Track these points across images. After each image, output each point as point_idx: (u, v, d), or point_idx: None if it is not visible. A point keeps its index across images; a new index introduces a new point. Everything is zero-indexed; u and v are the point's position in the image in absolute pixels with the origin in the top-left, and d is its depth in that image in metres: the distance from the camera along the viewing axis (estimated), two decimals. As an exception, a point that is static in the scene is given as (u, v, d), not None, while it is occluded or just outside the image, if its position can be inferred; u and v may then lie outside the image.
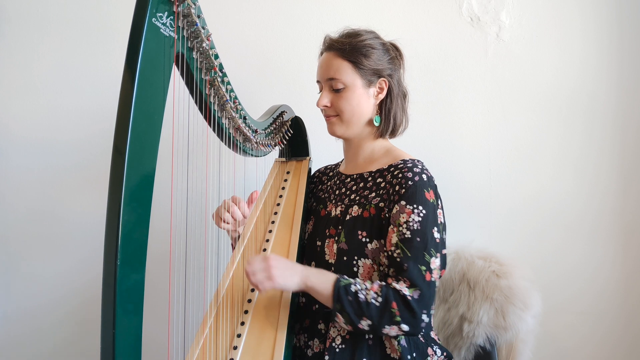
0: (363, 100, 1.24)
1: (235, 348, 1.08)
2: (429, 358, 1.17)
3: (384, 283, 1.09)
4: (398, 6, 1.85)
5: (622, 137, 1.77)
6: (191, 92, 1.00)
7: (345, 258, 1.19)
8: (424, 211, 1.12)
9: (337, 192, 1.32)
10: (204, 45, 0.94)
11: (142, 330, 0.80)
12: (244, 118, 1.18)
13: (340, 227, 1.23)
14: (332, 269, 1.21)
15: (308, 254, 1.30)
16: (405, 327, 1.06)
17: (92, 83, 1.86)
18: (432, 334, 1.24)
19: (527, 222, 1.80)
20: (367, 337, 1.15)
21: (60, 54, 1.87)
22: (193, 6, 0.87)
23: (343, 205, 1.26)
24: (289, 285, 1.09)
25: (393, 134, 1.30)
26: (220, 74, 1.01)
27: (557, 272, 1.77)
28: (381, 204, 1.18)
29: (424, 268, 1.08)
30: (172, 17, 0.84)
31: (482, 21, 1.82)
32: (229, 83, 1.06)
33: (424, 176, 1.16)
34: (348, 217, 1.22)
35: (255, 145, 1.30)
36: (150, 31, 0.80)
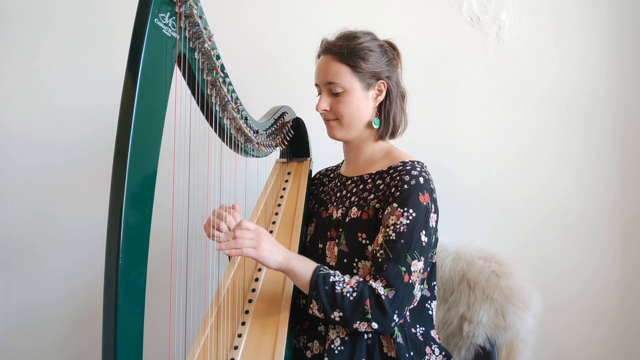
0: (362, 103, 1.24)
1: (236, 348, 1.08)
2: (427, 357, 1.17)
3: (361, 279, 1.10)
4: (398, 6, 1.85)
5: (622, 137, 1.77)
6: (193, 93, 1.01)
7: (345, 260, 1.20)
8: (414, 214, 1.12)
9: (338, 194, 1.33)
10: (206, 45, 0.94)
11: (144, 330, 0.81)
12: (245, 119, 1.19)
13: (340, 230, 1.23)
14: (333, 271, 1.21)
15: (310, 256, 1.30)
16: (374, 325, 1.07)
17: (92, 83, 1.86)
18: (432, 333, 1.24)
19: (527, 222, 1.80)
20: (365, 336, 1.15)
21: (60, 54, 1.88)
22: (195, 7, 0.87)
23: (344, 208, 1.26)
24: (270, 261, 1.08)
25: (393, 135, 1.30)
26: (222, 75, 1.02)
27: (557, 272, 1.77)
28: (377, 206, 1.19)
29: (403, 269, 1.08)
30: (174, 17, 0.84)
31: (482, 21, 1.82)
32: (230, 84, 1.06)
33: (421, 179, 1.16)
34: (348, 219, 1.23)
35: (257, 146, 1.30)
36: (152, 32, 0.80)
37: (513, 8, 1.81)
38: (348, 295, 1.07)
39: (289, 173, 1.53)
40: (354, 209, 1.23)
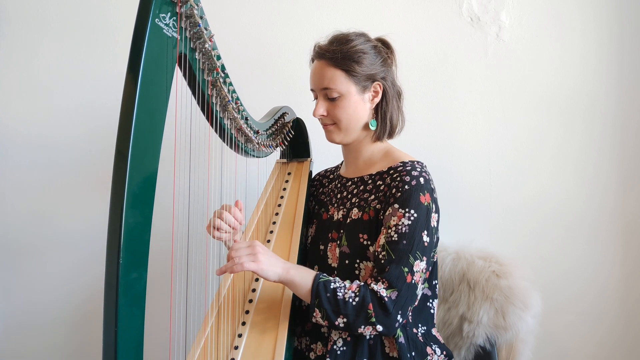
0: (359, 106, 1.24)
1: (236, 348, 1.08)
2: (428, 357, 1.17)
3: (362, 283, 1.09)
4: (398, 6, 1.85)
5: (622, 137, 1.77)
6: (193, 93, 1.00)
7: (347, 261, 1.20)
8: (415, 215, 1.12)
9: (338, 195, 1.33)
10: (207, 46, 0.94)
11: (144, 330, 0.81)
12: (246, 119, 1.19)
13: (342, 231, 1.23)
14: (335, 272, 1.21)
15: (311, 258, 1.31)
16: (379, 328, 1.07)
17: (92, 83, 1.86)
18: (434, 331, 1.24)
19: (527, 222, 1.80)
20: (367, 337, 1.15)
21: (60, 54, 1.87)
22: (196, 7, 0.87)
23: (345, 209, 1.26)
24: (270, 273, 1.08)
25: (391, 135, 1.30)
26: (223, 75, 1.02)
27: (557, 272, 1.77)
28: (378, 206, 1.19)
29: (406, 270, 1.08)
30: (174, 18, 0.84)
31: (482, 21, 1.82)
32: (231, 84, 1.06)
33: (422, 179, 1.16)
34: (349, 220, 1.23)
35: (257, 146, 1.30)
36: (153, 32, 0.80)
37: (513, 8, 1.81)
38: (350, 300, 1.06)
39: (289, 173, 1.53)
40: (355, 210, 1.23)
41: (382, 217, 1.17)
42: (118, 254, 0.75)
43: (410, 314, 1.18)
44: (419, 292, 1.13)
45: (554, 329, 1.75)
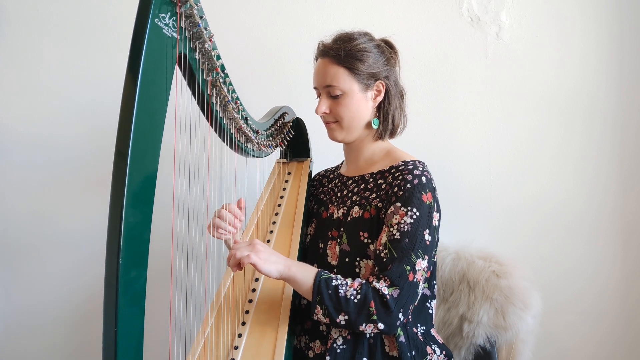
0: (361, 104, 1.24)
1: (236, 348, 1.08)
2: (428, 357, 1.17)
3: (364, 281, 1.10)
4: (398, 6, 1.85)
5: (622, 137, 1.77)
6: (193, 93, 1.00)
7: (347, 259, 1.20)
8: (417, 213, 1.12)
9: (338, 194, 1.33)
10: (206, 46, 0.94)
11: (144, 330, 0.81)
12: (246, 119, 1.19)
13: (342, 229, 1.23)
14: (335, 270, 1.21)
15: (310, 257, 1.31)
16: (380, 326, 1.07)
17: (92, 83, 1.87)
18: (433, 332, 1.24)
19: (527, 222, 1.80)
20: (367, 335, 1.16)
21: (60, 54, 1.88)
22: (195, 7, 0.87)
23: (345, 207, 1.26)
24: (271, 270, 1.08)
25: (392, 134, 1.30)
26: (222, 75, 1.02)
27: (557, 272, 1.77)
28: (379, 205, 1.19)
29: (408, 268, 1.09)
30: (174, 18, 0.84)
31: (482, 21, 1.82)
32: (230, 84, 1.06)
33: (423, 178, 1.16)
34: (349, 218, 1.23)
35: (257, 146, 1.30)
36: (153, 32, 0.80)
37: (513, 8, 1.81)
38: (352, 298, 1.07)
39: (289, 173, 1.53)
40: (356, 208, 1.23)
41: (383, 215, 1.17)
42: (118, 253, 0.75)
43: (410, 312, 1.18)
44: (420, 291, 1.13)
45: (554, 329, 1.75)
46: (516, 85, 1.81)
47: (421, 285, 1.11)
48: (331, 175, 1.43)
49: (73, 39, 1.88)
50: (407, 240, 1.10)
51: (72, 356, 1.87)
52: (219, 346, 1.09)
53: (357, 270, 1.19)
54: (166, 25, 0.83)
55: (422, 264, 1.11)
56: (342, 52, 1.21)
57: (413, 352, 1.15)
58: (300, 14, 1.87)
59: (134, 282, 0.78)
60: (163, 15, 0.82)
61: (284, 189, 1.47)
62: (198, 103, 1.02)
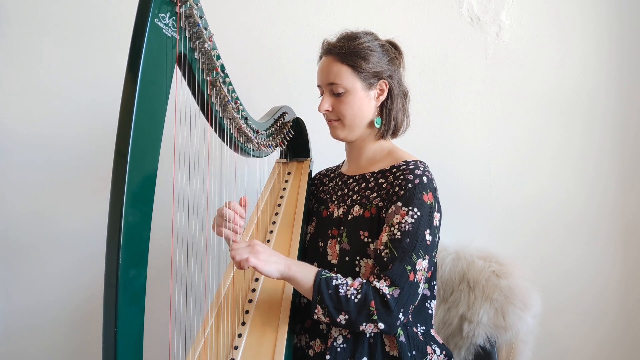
0: (364, 103, 1.24)
1: (236, 348, 1.08)
2: (428, 357, 1.17)
3: (364, 280, 1.10)
4: (398, 6, 1.85)
5: (622, 137, 1.77)
6: (193, 93, 1.00)
7: (347, 258, 1.20)
8: (418, 213, 1.12)
9: (339, 192, 1.33)
10: (206, 46, 0.94)
11: (144, 329, 0.81)
12: (245, 119, 1.19)
13: (342, 228, 1.23)
14: (335, 269, 1.21)
15: (310, 255, 1.31)
16: (381, 326, 1.07)
17: (92, 83, 1.87)
18: (432, 332, 1.24)
19: (527, 222, 1.80)
20: (367, 335, 1.16)
21: (60, 54, 1.88)
22: (195, 7, 0.87)
23: (345, 206, 1.27)
24: (272, 270, 1.08)
25: (394, 134, 1.31)
26: (222, 75, 1.02)
27: (557, 272, 1.77)
28: (380, 204, 1.19)
29: (409, 268, 1.09)
30: (174, 17, 0.84)
31: (482, 21, 1.82)
32: (230, 84, 1.06)
33: (425, 178, 1.16)
34: (350, 217, 1.23)
35: (257, 146, 1.30)
36: (152, 32, 0.80)
37: (513, 8, 1.81)
38: (352, 297, 1.07)
39: (289, 173, 1.53)
40: (356, 207, 1.23)
41: (383, 214, 1.17)
42: (118, 253, 0.75)
43: (411, 312, 1.18)
44: (421, 291, 1.13)
45: (554, 329, 1.75)
46: (516, 85, 1.81)
47: (422, 285, 1.11)
48: (332, 174, 1.43)
49: (73, 39, 1.88)
50: (408, 240, 1.10)
51: (72, 356, 1.87)
52: (219, 346, 1.09)
53: (357, 269, 1.19)
54: (166, 25, 0.83)
55: (422, 264, 1.11)
56: (346, 50, 1.22)
57: (413, 352, 1.15)
58: (300, 14, 1.87)
59: (134, 281, 0.78)
60: (163, 15, 0.82)
61: (284, 188, 1.47)
62: (198, 103, 1.02)
